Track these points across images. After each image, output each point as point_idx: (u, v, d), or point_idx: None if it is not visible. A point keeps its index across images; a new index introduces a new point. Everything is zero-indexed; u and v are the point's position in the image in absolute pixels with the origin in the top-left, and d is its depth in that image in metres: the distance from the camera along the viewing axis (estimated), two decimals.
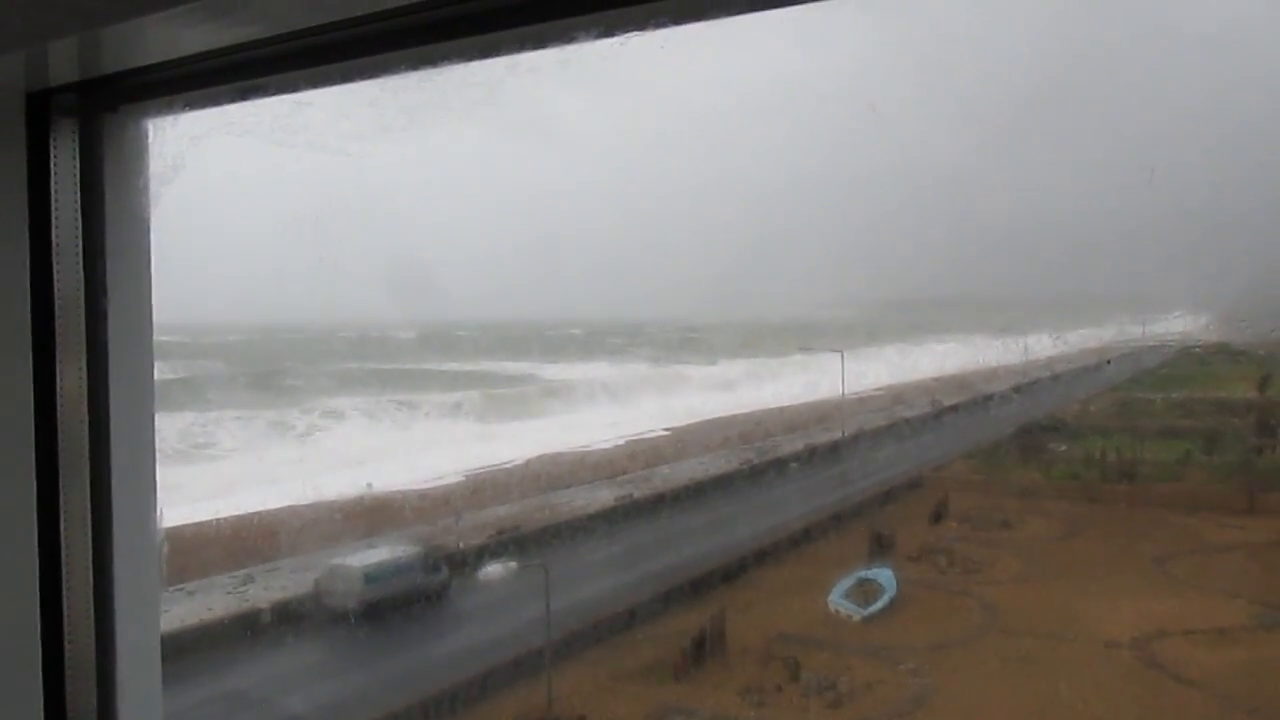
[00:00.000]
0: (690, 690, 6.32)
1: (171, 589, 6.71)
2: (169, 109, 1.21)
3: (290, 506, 7.50)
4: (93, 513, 1.26)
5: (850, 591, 6.70)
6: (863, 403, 7.00)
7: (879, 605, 6.68)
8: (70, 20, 1.04)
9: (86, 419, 1.26)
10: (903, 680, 6.36)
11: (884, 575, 6.79)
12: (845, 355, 6.68)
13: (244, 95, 1.15)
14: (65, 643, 1.24)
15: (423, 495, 8.05)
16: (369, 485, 7.67)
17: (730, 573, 6.99)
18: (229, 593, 6.72)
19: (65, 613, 1.24)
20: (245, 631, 6.38)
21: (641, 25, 0.90)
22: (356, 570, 6.72)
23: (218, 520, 7.45)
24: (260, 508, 7.65)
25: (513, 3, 0.93)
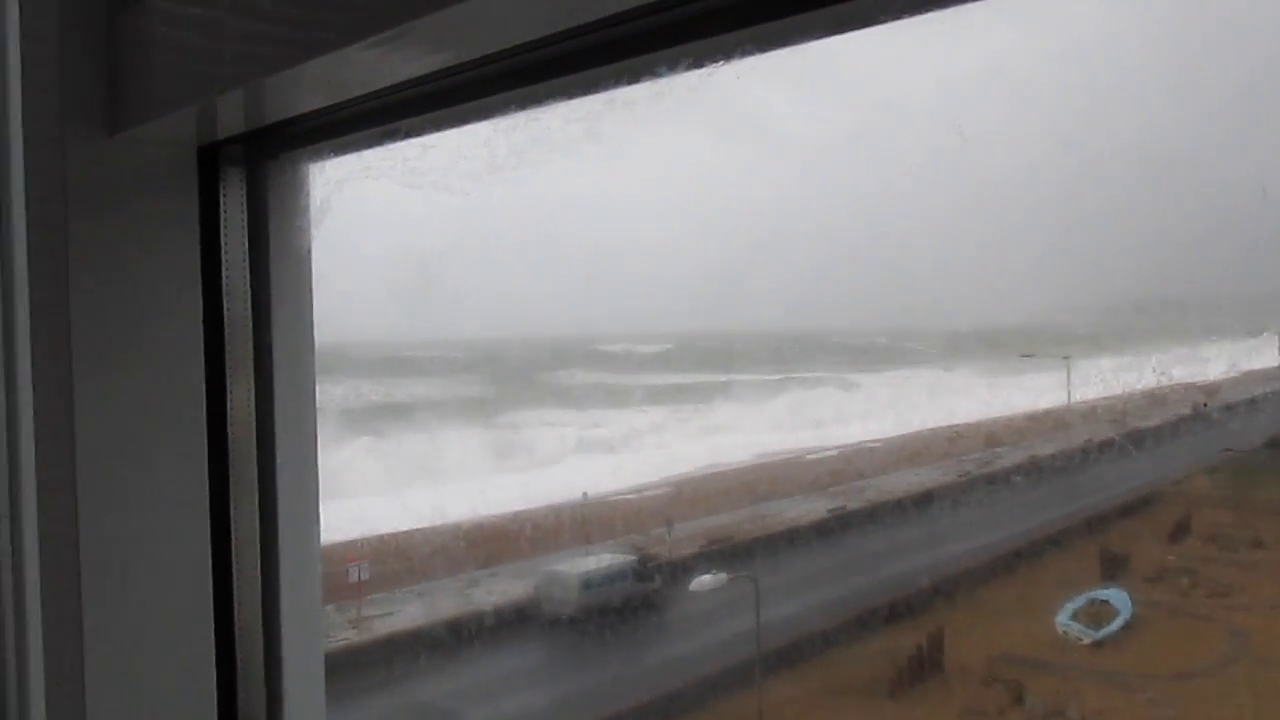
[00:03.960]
0: (906, 710, 6.13)
1: (402, 590, 7.12)
2: (318, 156, 1.29)
3: (512, 513, 7.80)
4: (261, 530, 1.36)
5: (1080, 613, 6.30)
6: (1091, 412, 6.57)
7: (1112, 628, 6.25)
8: (236, 72, 1.12)
9: (255, 442, 1.36)
10: (1141, 710, 5.94)
11: (1117, 596, 6.35)
12: (1071, 362, 6.32)
13: (382, 140, 1.21)
14: (237, 655, 1.34)
15: (637, 503, 8.19)
16: (585, 494, 7.87)
17: (948, 589, 6.72)
18: (454, 595, 7.06)
19: (236, 626, 1.34)
20: (467, 633, 6.68)
21: (729, 54, 0.89)
22: (573, 577, 6.91)
23: (456, 525, 7.83)
24: (487, 513, 7.98)
25: (607, 39, 0.94)
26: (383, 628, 6.83)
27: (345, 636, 6.58)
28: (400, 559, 7.57)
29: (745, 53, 0.88)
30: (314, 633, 1.39)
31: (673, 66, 0.91)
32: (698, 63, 0.90)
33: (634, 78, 0.95)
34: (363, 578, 6.76)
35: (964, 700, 6.10)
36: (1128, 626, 6.25)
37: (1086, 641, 6.23)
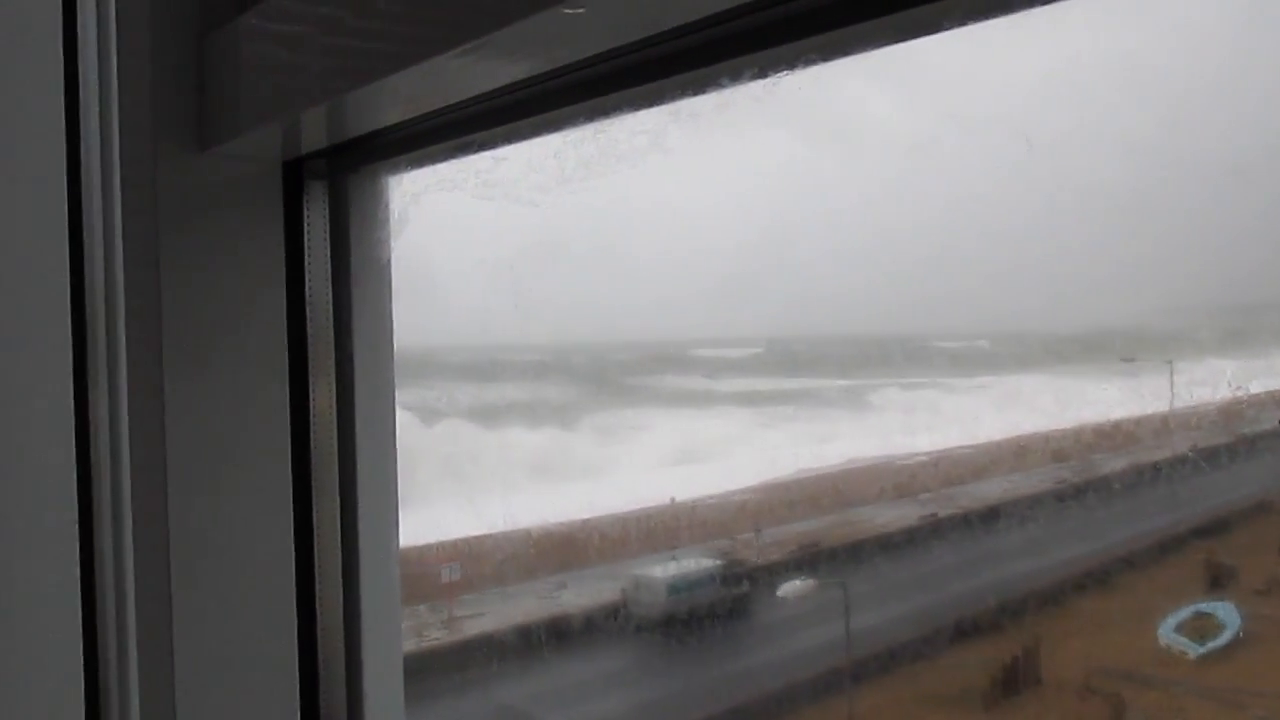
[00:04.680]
0: None
1: (491, 591, 7.20)
2: (396, 169, 1.33)
3: (599, 517, 7.83)
4: (342, 533, 1.39)
5: (1183, 626, 6.06)
6: (1197, 418, 6.34)
7: (1218, 642, 5.99)
8: (320, 87, 1.16)
9: (336, 446, 1.39)
10: None
11: (1224, 609, 6.09)
12: (1175, 365, 6.12)
13: (456, 153, 1.23)
14: (319, 654, 1.37)
15: (725, 507, 8.16)
16: (672, 498, 7.86)
17: (1044, 599, 6.55)
18: (543, 597, 7.12)
19: (318, 625, 1.38)
20: (554, 635, 6.73)
21: (792, 64, 0.89)
22: (660, 581, 6.90)
23: (544, 527, 7.88)
24: (575, 517, 8.02)
25: (674, 50, 0.94)
26: (473, 628, 6.92)
27: (437, 636, 6.68)
28: (489, 561, 7.66)
29: (809, 62, 0.88)
30: (393, 634, 1.42)
31: (736, 77, 0.91)
32: (762, 73, 0.91)
33: (699, 89, 0.95)
34: (453, 578, 6.87)
35: (1061, 713, 5.93)
36: (1235, 641, 6.00)
37: (1191, 656, 5.98)
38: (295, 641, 1.36)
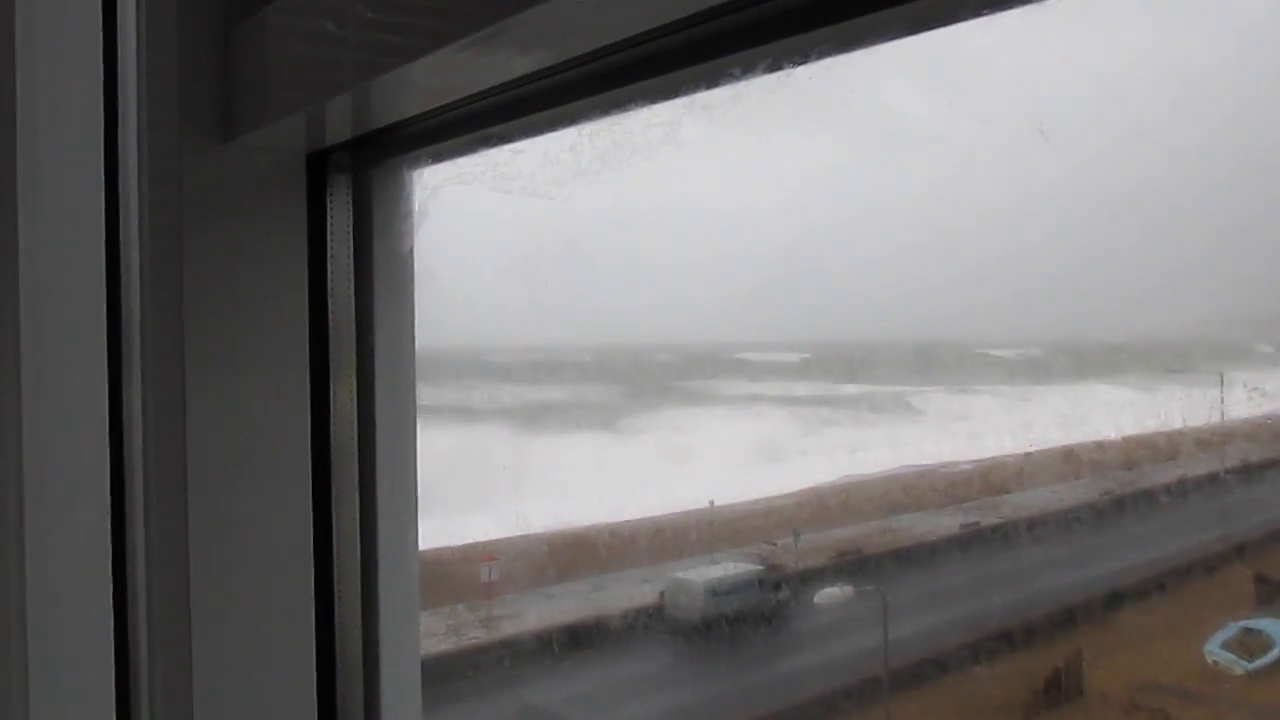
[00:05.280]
0: None
1: (530, 592, 7.21)
2: (417, 163, 1.32)
3: (640, 519, 7.81)
4: (361, 530, 1.39)
5: (1231, 642, 5.91)
6: (1249, 431, 6.20)
7: (1267, 659, 5.85)
8: (343, 77, 1.15)
9: (356, 441, 1.39)
10: None
11: (1274, 626, 5.94)
12: (1228, 377, 5.98)
13: (475, 146, 1.23)
14: (336, 652, 1.37)
15: (765, 512, 8.11)
16: (711, 502, 7.82)
17: (1087, 611, 6.43)
18: (580, 599, 7.12)
19: (336, 623, 1.37)
20: (591, 636, 6.73)
21: (806, 55, 0.87)
22: (699, 585, 6.87)
23: (583, 529, 7.88)
24: (614, 519, 8.00)
25: (686, 41, 0.93)
26: (511, 628, 6.93)
27: (475, 635, 6.70)
28: (527, 562, 7.67)
29: (823, 53, 0.86)
30: (411, 633, 1.41)
31: (749, 68, 0.89)
32: (776, 64, 0.88)
33: (712, 81, 0.94)
34: (493, 578, 6.88)
35: None
36: None
37: (1238, 673, 5.84)
38: (313, 639, 1.35)
